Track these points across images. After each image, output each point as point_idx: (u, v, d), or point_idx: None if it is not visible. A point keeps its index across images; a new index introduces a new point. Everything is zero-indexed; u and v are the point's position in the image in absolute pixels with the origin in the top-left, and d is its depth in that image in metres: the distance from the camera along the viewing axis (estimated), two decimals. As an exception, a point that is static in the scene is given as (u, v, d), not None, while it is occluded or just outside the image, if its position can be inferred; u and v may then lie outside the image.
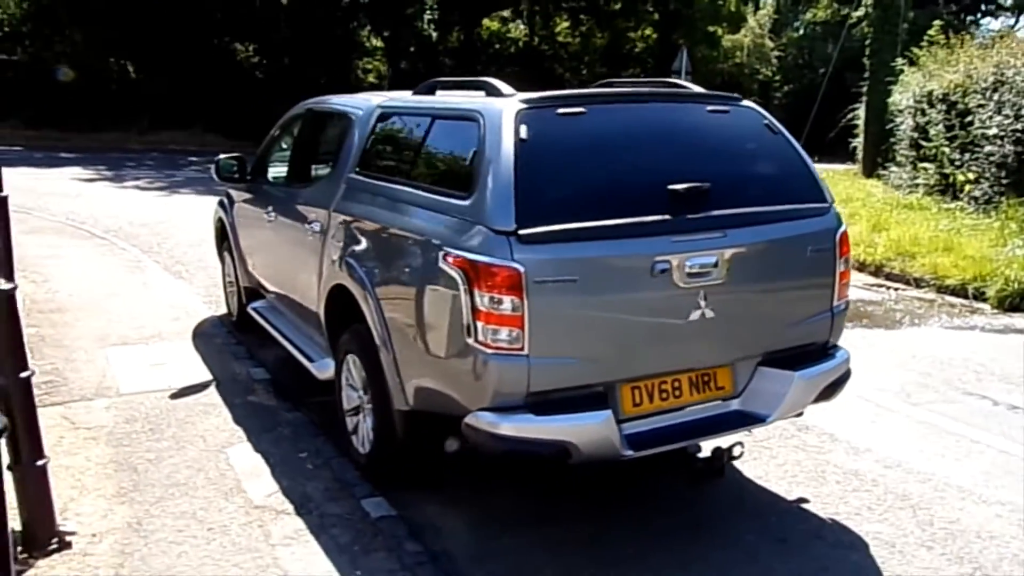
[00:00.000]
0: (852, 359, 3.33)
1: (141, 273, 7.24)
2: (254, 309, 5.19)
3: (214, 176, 5.21)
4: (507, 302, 2.62)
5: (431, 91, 3.71)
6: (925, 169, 11.67)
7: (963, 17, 28.07)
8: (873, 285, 7.81)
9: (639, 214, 2.82)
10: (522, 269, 2.61)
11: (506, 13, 29.11)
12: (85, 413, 4.13)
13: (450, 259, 2.74)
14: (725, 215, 2.93)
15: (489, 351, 2.65)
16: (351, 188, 3.73)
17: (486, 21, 28.32)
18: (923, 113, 11.89)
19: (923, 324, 6.46)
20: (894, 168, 13.20)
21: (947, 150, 11.01)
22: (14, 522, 2.66)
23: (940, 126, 11.26)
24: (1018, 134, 9.50)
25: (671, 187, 2.86)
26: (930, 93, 11.70)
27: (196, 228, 9.00)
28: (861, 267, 8.24)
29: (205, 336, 5.50)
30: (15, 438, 2.76)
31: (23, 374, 2.80)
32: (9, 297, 2.76)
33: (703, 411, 3.03)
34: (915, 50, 13.12)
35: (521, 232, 2.64)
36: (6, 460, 2.63)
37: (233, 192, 5.52)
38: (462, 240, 2.75)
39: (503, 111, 2.85)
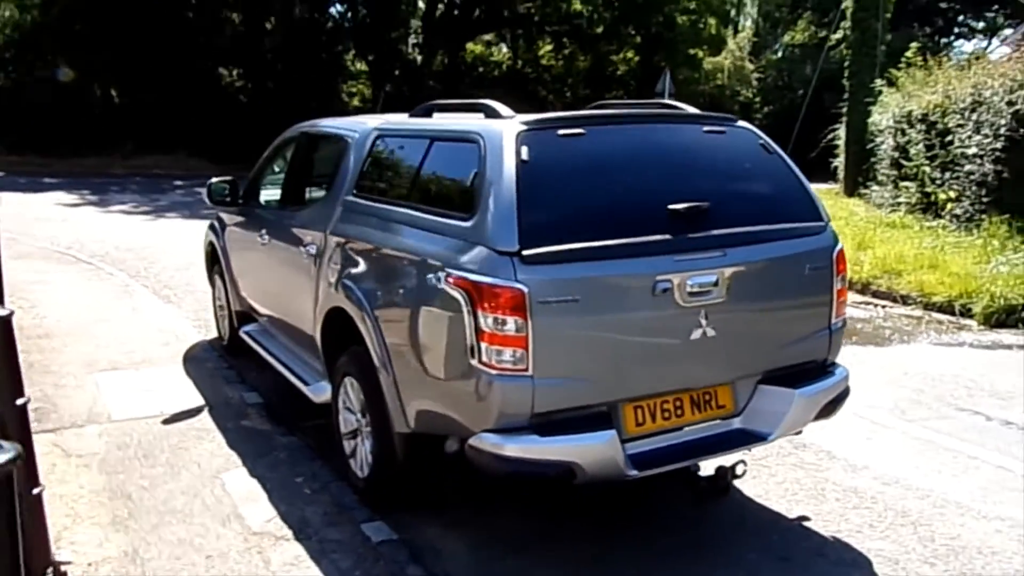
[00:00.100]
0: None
1: (129, 298, 7.17)
2: (246, 333, 5.15)
3: (206, 199, 5.19)
4: (511, 323, 2.62)
5: (428, 113, 3.73)
6: (907, 188, 11.84)
7: (937, 39, 28.66)
8: (860, 303, 7.88)
9: (639, 234, 2.84)
10: (525, 289, 2.61)
11: (489, 37, 29.39)
12: (76, 440, 4.06)
13: (453, 280, 2.74)
14: (724, 234, 2.95)
15: (493, 372, 2.65)
16: (348, 210, 3.72)
17: (470, 45, 28.55)
18: (903, 133, 12.10)
19: (912, 341, 6.52)
20: (875, 187, 13.39)
21: (928, 169, 11.19)
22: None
23: (920, 145, 11.46)
24: (997, 153, 9.67)
25: (671, 207, 2.88)
26: (909, 113, 11.91)
27: (183, 252, 8.94)
28: (848, 285, 8.30)
29: (196, 360, 5.44)
30: (10, 467, 2.70)
31: (19, 401, 2.75)
32: (5, 323, 2.72)
33: (705, 430, 3.04)
34: (893, 71, 13.38)
35: (524, 252, 2.65)
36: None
37: (225, 216, 5.50)
38: (464, 261, 2.75)
39: (504, 132, 2.87)
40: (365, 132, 3.89)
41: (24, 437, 2.77)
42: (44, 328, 6.00)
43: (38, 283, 7.40)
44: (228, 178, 5.23)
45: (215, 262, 5.72)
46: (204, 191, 5.18)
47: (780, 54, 33.12)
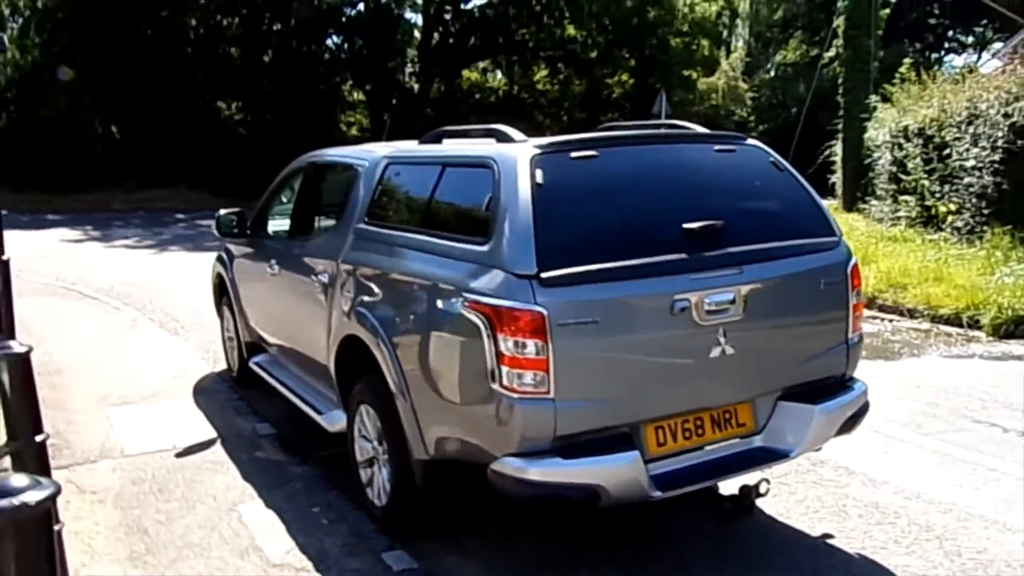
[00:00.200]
0: (861, 391, 3.33)
1: (136, 332, 7.16)
2: (256, 363, 5.13)
3: (215, 231, 5.21)
4: (531, 345, 2.61)
5: (438, 140, 3.75)
6: (906, 202, 11.88)
7: (928, 55, 28.94)
8: (867, 317, 7.85)
9: (655, 253, 2.84)
10: (545, 312, 2.61)
11: (485, 63, 29.69)
12: (90, 476, 4.04)
13: (471, 304, 2.74)
14: (740, 252, 2.96)
15: (515, 395, 2.64)
16: (359, 238, 3.73)
17: (466, 72, 28.84)
18: (900, 147, 12.17)
19: (922, 354, 6.51)
20: (874, 201, 13.44)
21: (927, 182, 11.25)
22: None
23: (918, 159, 11.52)
24: (995, 165, 9.73)
25: (685, 225, 2.90)
26: (906, 128, 11.99)
27: (188, 285, 8.95)
28: (857, 299, 8.30)
29: (206, 393, 5.42)
30: (30, 504, 2.68)
31: (39, 438, 2.74)
32: (24, 360, 2.71)
33: (726, 449, 3.02)
34: (888, 87, 13.49)
35: (543, 275, 2.65)
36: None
37: (233, 247, 5.51)
38: (482, 285, 2.75)
39: (518, 157, 2.89)
40: (375, 160, 3.91)
41: (44, 474, 2.75)
42: (53, 364, 5.98)
43: (45, 319, 7.40)
44: (236, 209, 5.26)
45: (223, 294, 5.72)
46: (213, 223, 5.20)
47: (773, 73, 33.42)
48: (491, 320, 2.65)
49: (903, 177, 12.00)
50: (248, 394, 5.32)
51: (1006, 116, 9.56)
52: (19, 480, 1.30)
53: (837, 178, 16.12)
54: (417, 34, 28.42)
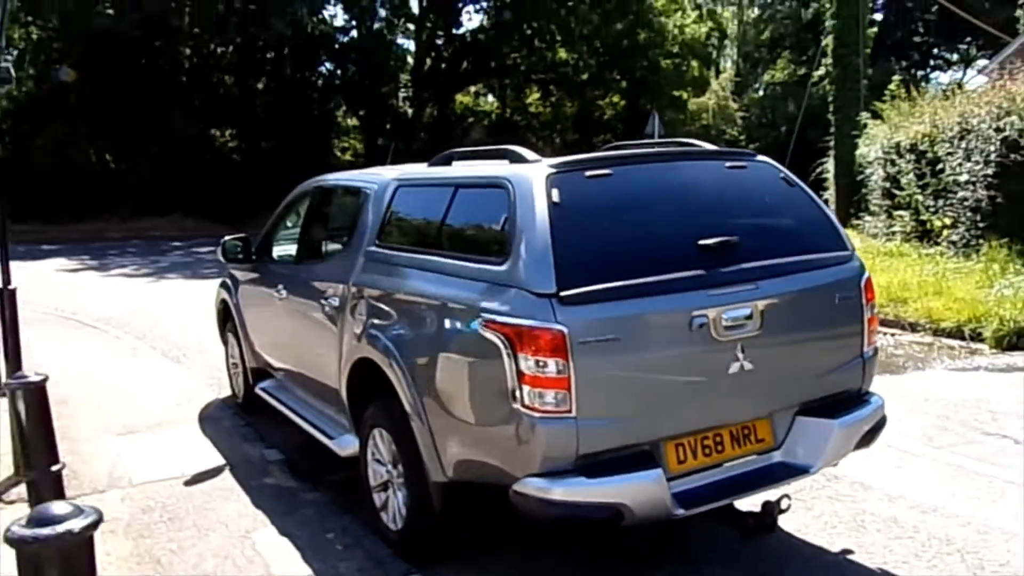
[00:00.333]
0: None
1: (138, 360, 7.12)
2: (263, 389, 5.10)
3: (220, 258, 5.20)
4: (552, 364, 2.60)
5: (447, 162, 3.76)
6: (901, 217, 11.97)
7: (914, 72, 29.33)
8: (869, 332, 7.88)
9: (672, 270, 2.85)
10: (566, 330, 2.60)
11: (477, 87, 29.94)
12: (99, 506, 3.95)
13: (489, 324, 2.73)
14: (755, 267, 2.97)
15: (536, 415, 2.62)
16: (371, 260, 3.72)
17: (458, 96, 29.06)
18: (893, 163, 12.28)
19: (927, 367, 6.52)
20: (868, 217, 13.52)
21: (920, 197, 11.34)
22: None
23: (911, 175, 11.62)
24: (989, 179, 9.82)
25: (701, 242, 2.91)
26: (898, 144, 12.10)
27: (188, 312, 8.92)
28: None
29: (212, 419, 5.38)
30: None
31: (54, 468, 2.72)
32: (40, 389, 2.70)
33: (746, 465, 3.00)
34: (878, 104, 13.64)
35: (562, 293, 2.65)
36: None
37: (237, 273, 5.50)
38: (501, 305, 2.75)
39: (533, 176, 2.90)
40: (384, 183, 3.91)
41: (60, 504, 2.72)
42: (57, 394, 5.88)
43: (46, 349, 7.35)
44: (241, 235, 5.25)
45: (228, 319, 5.69)
46: (218, 249, 5.19)
47: (762, 92, 33.80)
48: (511, 339, 2.65)
49: (897, 192, 12.10)
50: (254, 420, 5.28)
51: (998, 131, 9.66)
52: (60, 508, 1.29)
53: (829, 195, 16.22)
54: (410, 59, 28.69)
